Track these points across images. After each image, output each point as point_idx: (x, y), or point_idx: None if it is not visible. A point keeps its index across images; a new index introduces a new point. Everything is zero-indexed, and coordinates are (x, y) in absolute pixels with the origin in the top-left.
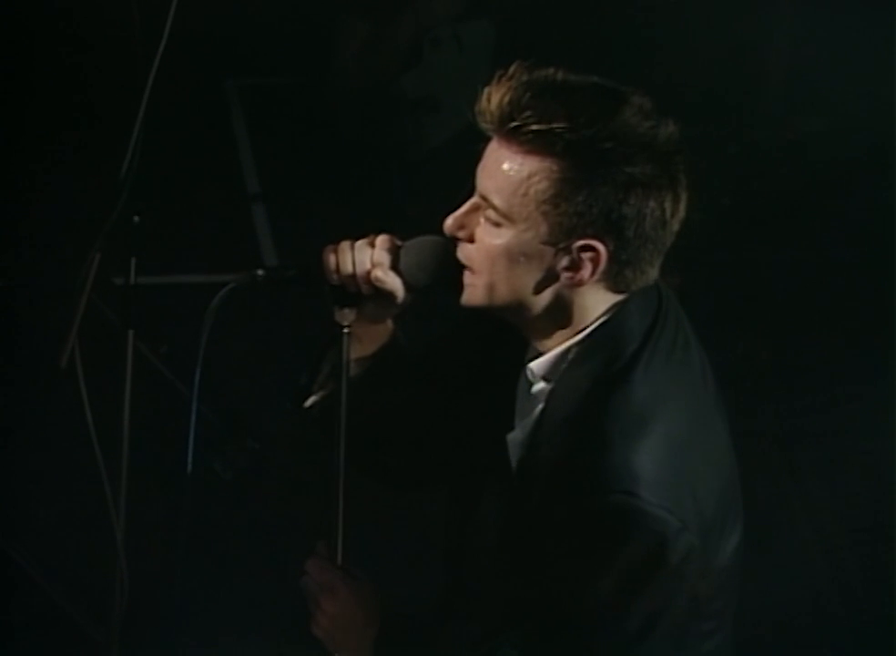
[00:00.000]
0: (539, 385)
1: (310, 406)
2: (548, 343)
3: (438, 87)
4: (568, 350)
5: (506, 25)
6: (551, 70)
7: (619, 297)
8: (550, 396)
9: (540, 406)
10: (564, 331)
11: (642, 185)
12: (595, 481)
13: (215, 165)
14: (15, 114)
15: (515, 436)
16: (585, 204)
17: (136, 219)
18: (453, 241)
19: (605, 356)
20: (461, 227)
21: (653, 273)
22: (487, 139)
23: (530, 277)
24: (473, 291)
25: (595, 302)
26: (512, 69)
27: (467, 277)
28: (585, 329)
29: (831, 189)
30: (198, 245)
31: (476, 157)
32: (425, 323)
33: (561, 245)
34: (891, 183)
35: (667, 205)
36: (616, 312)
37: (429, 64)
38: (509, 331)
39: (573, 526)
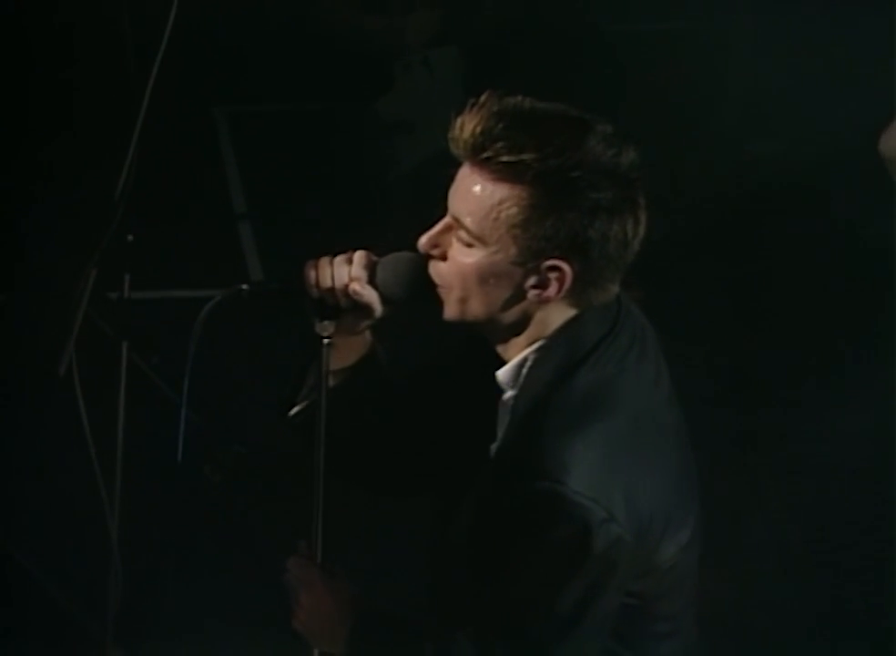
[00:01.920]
0: (509, 393)
1: (294, 416)
2: (510, 352)
3: (411, 111)
4: (526, 358)
5: (473, 50)
6: (520, 98)
7: (579, 310)
8: (514, 403)
9: (510, 414)
10: (523, 339)
11: (606, 210)
12: (525, 469)
13: (204, 186)
14: (14, 135)
15: (496, 445)
16: (552, 228)
17: (129, 237)
18: (427, 258)
19: (558, 361)
20: (434, 245)
21: (614, 290)
22: (460, 164)
23: (500, 294)
24: (447, 305)
25: (558, 316)
26: (483, 99)
27: (440, 292)
28: (542, 338)
29: (784, 209)
30: (188, 262)
31: (449, 179)
32: (407, 341)
33: (529, 265)
34: (844, 204)
35: (629, 227)
36: (571, 321)
37: (401, 88)
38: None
39: (505, 513)
